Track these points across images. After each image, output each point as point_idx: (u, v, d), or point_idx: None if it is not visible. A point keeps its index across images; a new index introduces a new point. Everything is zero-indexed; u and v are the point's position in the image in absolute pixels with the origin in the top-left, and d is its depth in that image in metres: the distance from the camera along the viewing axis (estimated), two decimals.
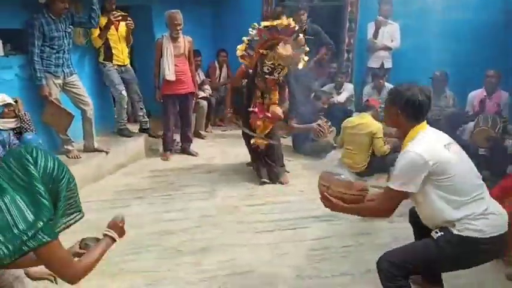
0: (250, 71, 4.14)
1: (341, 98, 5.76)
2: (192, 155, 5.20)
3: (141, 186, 4.30)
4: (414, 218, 2.37)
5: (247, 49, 4.02)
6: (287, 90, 4.55)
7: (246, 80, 4.44)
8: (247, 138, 4.42)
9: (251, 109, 4.16)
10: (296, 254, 3.09)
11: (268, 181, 4.32)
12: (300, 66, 4.05)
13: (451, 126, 4.37)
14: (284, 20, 3.85)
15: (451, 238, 2.02)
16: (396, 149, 4.52)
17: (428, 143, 2.06)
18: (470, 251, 2.02)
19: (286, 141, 5.53)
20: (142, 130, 5.19)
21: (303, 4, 5.74)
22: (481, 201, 2.04)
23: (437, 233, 2.08)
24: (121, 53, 4.80)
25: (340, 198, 2.20)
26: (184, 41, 4.79)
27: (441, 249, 2.04)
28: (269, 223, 3.55)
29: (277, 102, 4.16)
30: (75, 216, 1.59)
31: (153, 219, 3.58)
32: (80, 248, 1.82)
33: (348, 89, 5.89)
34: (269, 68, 3.89)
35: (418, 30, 5.97)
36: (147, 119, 5.23)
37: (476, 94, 5.09)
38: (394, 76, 5.80)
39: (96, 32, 4.53)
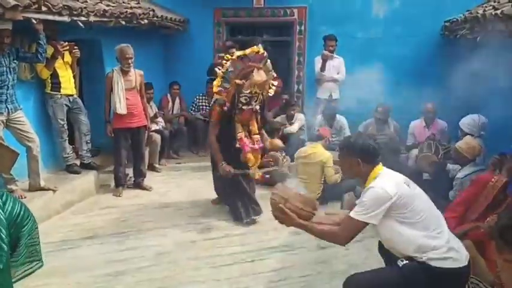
0: (225, 108, 3.94)
1: (293, 128, 5.92)
2: (146, 189, 5.07)
3: (92, 225, 4.11)
4: (382, 248, 2.48)
5: (223, 82, 3.93)
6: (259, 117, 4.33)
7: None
8: (217, 177, 4.31)
9: (238, 145, 3.98)
10: (256, 287, 3.06)
11: (255, 218, 4.13)
12: (271, 92, 4.10)
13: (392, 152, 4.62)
14: (255, 48, 3.89)
15: (415, 267, 2.14)
16: (347, 177, 4.69)
17: (390, 180, 2.22)
18: (433, 281, 2.13)
19: None
20: (83, 165, 4.98)
21: (256, 38, 5.92)
22: (443, 233, 2.20)
23: (402, 261, 2.19)
24: (68, 82, 4.66)
25: (296, 213, 2.22)
26: (136, 75, 4.78)
27: (405, 277, 2.15)
28: (227, 257, 3.50)
29: (257, 132, 4.12)
30: (34, 265, 1.51)
31: (105, 260, 3.42)
32: None
33: (300, 119, 6.07)
34: (247, 98, 3.84)
35: (362, 64, 6.35)
36: (89, 154, 5.05)
37: (416, 124, 5.45)
38: (342, 107, 6.07)
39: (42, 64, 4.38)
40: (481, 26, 4.25)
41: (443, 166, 4.45)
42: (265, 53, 3.92)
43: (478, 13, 4.37)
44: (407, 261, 2.18)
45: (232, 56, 3.95)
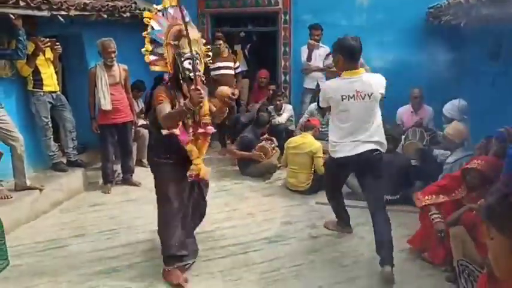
0: (169, 83, 2.96)
1: (282, 118, 5.91)
2: (135, 185, 5.02)
3: (81, 223, 4.06)
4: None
5: (155, 48, 2.90)
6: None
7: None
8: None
9: (165, 132, 2.83)
10: (249, 278, 3.07)
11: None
12: (209, 58, 3.11)
13: (394, 142, 4.46)
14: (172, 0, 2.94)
15: (328, 159, 3.41)
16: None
17: (335, 84, 3.09)
18: (336, 166, 3.29)
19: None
20: (69, 163, 4.90)
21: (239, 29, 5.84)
22: (351, 136, 3.08)
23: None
24: (50, 78, 4.55)
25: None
26: (119, 69, 4.70)
27: (327, 166, 3.59)
28: (219, 249, 3.50)
29: (207, 112, 2.99)
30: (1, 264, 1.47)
31: (97, 258, 3.38)
32: None
33: (288, 110, 6.07)
34: (191, 62, 2.76)
35: None
36: (76, 152, 4.97)
37: (404, 110, 5.49)
38: None
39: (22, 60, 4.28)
40: (464, 11, 4.27)
41: (430, 152, 4.50)
42: (181, 6, 2.79)
43: None
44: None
45: (156, 14, 2.93)
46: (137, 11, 5.75)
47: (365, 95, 3.03)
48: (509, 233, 0.98)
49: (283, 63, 6.88)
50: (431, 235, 3.06)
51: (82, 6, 4.54)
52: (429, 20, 6.03)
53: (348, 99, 3.02)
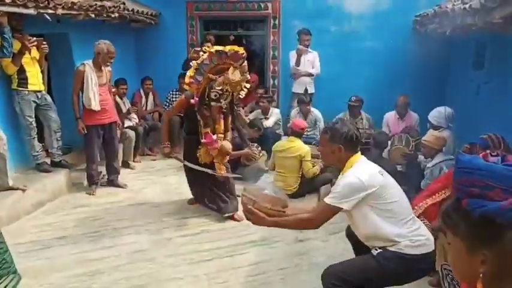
0: (192, 100, 3.84)
1: (269, 122, 5.92)
2: (121, 187, 4.96)
3: (65, 225, 3.99)
4: (351, 236, 2.56)
5: (196, 74, 3.78)
6: (230, 119, 4.20)
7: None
8: (190, 174, 4.23)
9: (203, 141, 3.88)
10: (235, 281, 3.06)
11: (231, 213, 4.11)
12: (243, 94, 4.03)
13: (379, 147, 4.63)
14: (235, 47, 3.75)
15: (389, 255, 2.23)
16: (323, 171, 4.74)
17: (366, 170, 2.28)
18: (406, 267, 2.23)
19: None
20: (53, 164, 4.82)
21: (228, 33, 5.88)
22: (413, 222, 2.30)
23: (376, 250, 2.27)
24: (36, 77, 4.47)
25: (265, 212, 2.24)
26: (105, 70, 4.68)
27: (380, 265, 2.24)
28: (205, 252, 3.48)
29: (222, 132, 3.99)
30: (10, 281, 1.33)
31: (80, 260, 3.33)
32: None
33: (275, 114, 6.08)
34: (216, 95, 3.70)
35: (336, 58, 6.44)
36: (60, 152, 4.89)
37: (390, 116, 5.55)
38: (317, 100, 6.13)
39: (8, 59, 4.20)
40: (450, 20, 4.35)
41: (415, 157, 4.56)
42: (245, 53, 3.75)
43: (447, 7, 4.47)
44: (381, 250, 2.26)
45: (210, 48, 3.83)
46: (126, 12, 5.71)
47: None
48: (462, 235, 1.01)
49: (271, 67, 6.91)
50: None
51: (69, 5, 4.48)
52: (416, 27, 6.13)
53: (383, 175, 2.32)
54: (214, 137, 3.89)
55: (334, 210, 2.23)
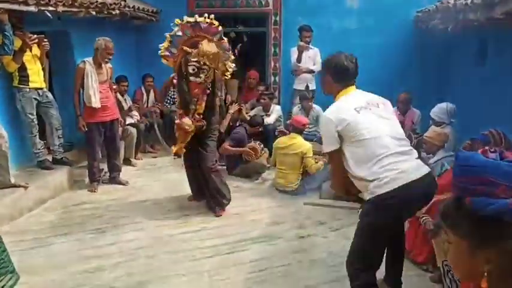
0: (175, 81, 3.82)
1: (270, 119, 5.91)
2: (122, 184, 4.97)
3: (66, 222, 4.00)
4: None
5: (170, 47, 3.76)
6: (217, 104, 4.05)
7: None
8: (189, 170, 4.26)
9: (176, 121, 3.79)
10: (236, 278, 3.06)
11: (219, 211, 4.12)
12: (228, 75, 3.97)
13: None
14: (207, 18, 3.68)
15: (366, 208, 2.19)
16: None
17: (340, 104, 2.27)
18: (386, 210, 2.10)
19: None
20: (55, 161, 4.83)
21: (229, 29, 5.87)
22: (392, 157, 2.13)
23: (358, 211, 2.28)
24: (37, 75, 4.48)
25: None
26: (106, 67, 4.67)
27: (368, 224, 2.19)
28: (207, 249, 3.48)
29: (201, 112, 3.82)
30: (7, 281, 1.35)
31: (82, 257, 3.33)
32: None
33: (276, 111, 6.07)
34: (194, 68, 3.58)
35: None
36: (62, 150, 4.90)
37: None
38: (319, 97, 6.12)
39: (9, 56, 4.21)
40: (452, 15, 4.33)
41: (418, 154, 4.54)
42: (220, 28, 3.67)
43: (449, 3, 4.45)
44: (360, 209, 2.27)
45: (182, 21, 3.76)
46: (126, 9, 5.70)
47: (377, 103, 2.33)
48: (464, 235, 0.99)
49: (272, 64, 6.90)
50: (419, 234, 3.09)
51: (70, 2, 4.47)
52: (417, 23, 6.10)
53: (360, 112, 2.23)
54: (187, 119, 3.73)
55: (334, 154, 2.23)
